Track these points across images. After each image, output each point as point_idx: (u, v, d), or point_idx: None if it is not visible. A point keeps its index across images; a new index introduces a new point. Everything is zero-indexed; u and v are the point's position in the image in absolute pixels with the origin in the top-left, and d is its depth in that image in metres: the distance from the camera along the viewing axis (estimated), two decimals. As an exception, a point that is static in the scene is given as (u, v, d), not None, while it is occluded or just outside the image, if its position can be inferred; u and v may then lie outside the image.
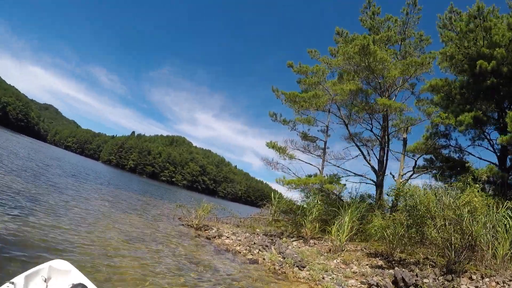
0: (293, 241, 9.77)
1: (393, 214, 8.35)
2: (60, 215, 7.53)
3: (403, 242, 8.34)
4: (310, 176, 16.74)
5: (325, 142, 16.99)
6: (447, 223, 7.55)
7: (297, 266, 7.57)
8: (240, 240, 9.51)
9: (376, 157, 13.59)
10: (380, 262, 8.38)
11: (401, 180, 12.41)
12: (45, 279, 1.73)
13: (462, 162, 12.10)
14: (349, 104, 11.57)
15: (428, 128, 13.41)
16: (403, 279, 6.84)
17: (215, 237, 9.64)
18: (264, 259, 7.92)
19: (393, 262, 8.36)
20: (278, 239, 9.90)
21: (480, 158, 12.57)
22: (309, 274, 7.17)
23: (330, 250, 8.86)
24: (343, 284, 6.72)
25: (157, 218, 11.57)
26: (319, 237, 9.97)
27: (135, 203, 14.15)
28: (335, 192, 11.55)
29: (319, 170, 16.50)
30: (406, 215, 8.20)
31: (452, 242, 7.57)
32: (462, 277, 7.45)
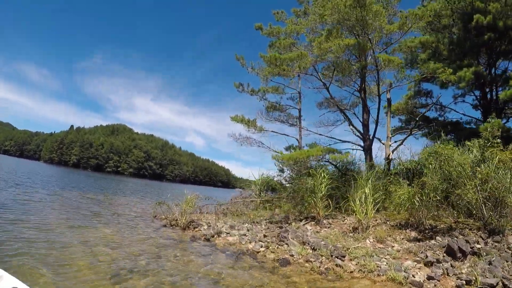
0: (304, 224, 8.19)
1: (422, 179, 7.37)
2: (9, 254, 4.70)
3: (431, 208, 7.48)
4: (290, 147, 15.36)
5: (299, 110, 15.52)
6: (482, 183, 6.85)
7: (337, 257, 6.03)
8: (245, 235, 7.54)
9: (360, 121, 12.67)
10: (413, 234, 7.35)
11: (389, 143, 11.73)
12: None
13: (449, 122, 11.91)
14: (341, 62, 10.14)
15: (410, 87, 12.92)
16: (460, 249, 5.92)
17: (213, 236, 7.52)
18: (292, 255, 6.19)
19: (426, 231, 7.44)
20: (287, 224, 8.26)
21: (464, 115, 12.61)
22: (359, 264, 5.69)
23: (354, 228, 7.58)
24: (403, 269, 5.44)
25: (132, 223, 8.74)
26: (328, 215, 8.61)
27: (97, 208, 11.08)
28: (334, 163, 10.21)
29: (297, 140, 15.18)
30: (439, 178, 7.30)
31: (488, 201, 6.96)
32: (508, 236, 6.92)
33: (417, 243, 6.70)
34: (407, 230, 7.32)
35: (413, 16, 8.78)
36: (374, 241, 6.86)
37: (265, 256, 6.12)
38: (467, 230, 6.96)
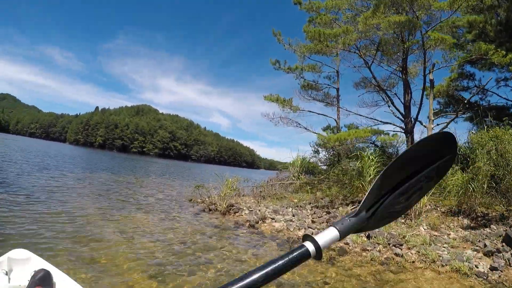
0: (352, 209, 8.14)
1: (477, 164, 7.03)
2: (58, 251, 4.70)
3: (483, 195, 7.17)
4: (328, 128, 15.05)
5: (337, 89, 14.96)
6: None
7: (394, 245, 5.93)
8: (292, 221, 7.51)
9: (401, 102, 12.08)
10: (466, 221, 7.09)
11: (432, 126, 11.19)
12: (6, 272, 1.49)
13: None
14: (388, 40, 9.50)
15: (453, 68, 12.10)
16: None
17: (257, 222, 7.55)
18: (347, 243, 6.15)
19: (478, 219, 7.18)
20: (333, 209, 8.20)
21: (508, 100, 11.79)
22: (419, 254, 5.58)
23: (405, 215, 7.43)
24: (465, 259, 5.29)
25: (168, 207, 8.80)
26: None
27: (129, 191, 11.30)
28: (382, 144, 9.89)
29: (335, 121, 14.81)
30: (493, 164, 6.93)
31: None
32: None
33: (472, 231, 6.47)
34: (459, 218, 7.08)
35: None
36: (428, 228, 6.67)
37: (319, 244, 6.07)
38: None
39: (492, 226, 6.54)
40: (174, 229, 6.27)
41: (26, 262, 1.60)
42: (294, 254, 0.57)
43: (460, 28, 10.19)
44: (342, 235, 0.60)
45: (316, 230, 6.65)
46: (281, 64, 14.26)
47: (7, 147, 29.86)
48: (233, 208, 8.65)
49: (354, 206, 8.09)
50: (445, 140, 0.70)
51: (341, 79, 15.08)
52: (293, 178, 11.73)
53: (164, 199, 10.40)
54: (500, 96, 11.89)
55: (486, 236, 6.22)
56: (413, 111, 11.57)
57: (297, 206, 8.67)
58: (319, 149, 15.29)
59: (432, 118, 11.06)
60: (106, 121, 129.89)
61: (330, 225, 0.62)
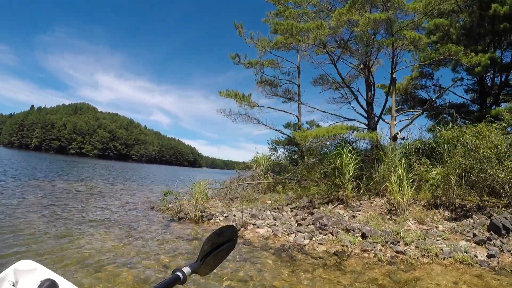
0: (333, 208, 7.70)
1: (453, 159, 7.17)
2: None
3: (460, 188, 7.36)
4: (289, 125, 14.67)
5: (299, 86, 14.69)
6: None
7: (392, 243, 5.60)
8: (276, 225, 6.75)
9: (364, 99, 12.27)
10: (447, 213, 7.18)
11: (394, 122, 11.55)
12: (13, 283, 1.44)
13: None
14: (362, 37, 9.40)
15: (414, 68, 12.77)
16: (504, 226, 5.95)
17: (239, 230, 6.64)
18: (345, 245, 5.63)
19: (458, 210, 7.34)
20: (315, 209, 7.67)
21: (463, 98, 12.84)
22: (420, 249, 5.25)
23: (390, 210, 7.22)
24: (463, 250, 5.19)
25: (131, 220, 7.32)
26: (354, 197, 8.16)
27: (80, 203, 9.28)
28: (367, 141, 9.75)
29: (297, 117, 14.50)
30: (468, 159, 7.12)
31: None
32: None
33: (457, 222, 6.53)
34: (440, 210, 7.15)
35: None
36: (415, 222, 6.55)
37: (314, 249, 5.41)
38: (496, 208, 6.97)
39: (473, 216, 6.68)
40: (147, 252, 4.89)
41: (32, 273, 1.60)
42: (169, 281, 0.89)
43: (420, 30, 10.74)
44: (193, 271, 1.00)
45: (306, 233, 6.01)
46: (241, 59, 13.58)
47: None
48: (205, 214, 7.61)
49: (334, 205, 7.70)
50: (232, 230, 1.19)
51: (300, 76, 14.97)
52: (259, 177, 11.04)
53: (123, 209, 8.80)
54: (456, 95, 12.94)
55: (472, 226, 6.30)
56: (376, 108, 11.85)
57: (275, 208, 7.98)
58: (277, 146, 14.98)
59: (395, 115, 11.42)
60: (42, 121, 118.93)
61: (185, 265, 0.99)
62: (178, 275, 0.91)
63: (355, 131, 9.28)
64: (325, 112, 12.83)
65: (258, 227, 6.58)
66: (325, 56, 13.11)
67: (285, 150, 14.56)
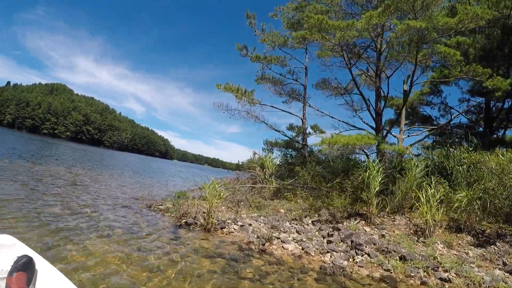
0: (356, 223, 7.34)
1: (481, 183, 7.09)
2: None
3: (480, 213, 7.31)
4: (292, 127, 14.18)
5: (305, 87, 14.26)
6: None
7: (432, 269, 5.29)
8: (303, 241, 6.24)
9: (373, 108, 12.08)
10: (469, 238, 7.13)
11: (403, 136, 11.47)
12: None
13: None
14: (395, 43, 9.08)
15: (424, 84, 12.78)
16: None
17: (264, 244, 6.01)
18: (388, 270, 5.25)
19: (479, 235, 7.28)
20: (338, 224, 7.23)
21: (466, 117, 13.10)
22: (462, 277, 4.99)
23: (416, 231, 6.99)
24: (501, 279, 5.04)
25: (132, 225, 6.24)
26: (379, 213, 7.78)
27: (64, 195, 8.04)
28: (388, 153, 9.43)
29: (301, 120, 14.04)
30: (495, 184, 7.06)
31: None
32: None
33: (482, 248, 6.46)
34: (463, 235, 7.06)
35: (474, 14, 8.15)
36: (444, 246, 6.37)
37: (357, 273, 4.95)
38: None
39: (497, 244, 6.63)
40: (158, 270, 4.01)
41: (11, 248, 1.65)
42: None
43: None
44: None
45: (341, 253, 5.58)
46: (249, 51, 12.90)
47: None
48: (216, 222, 6.89)
49: (356, 221, 7.35)
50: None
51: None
52: (262, 181, 10.49)
53: (116, 207, 7.74)
54: (462, 114, 13.17)
55: (498, 254, 6.23)
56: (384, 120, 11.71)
57: (294, 220, 7.47)
58: (273, 149, 14.55)
59: (403, 129, 11.35)
60: (17, 98, 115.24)
61: None
62: None
63: (383, 143, 8.99)
64: (333, 118, 12.54)
65: (283, 242, 6.00)
66: (335, 60, 12.84)
67: (281, 153, 14.11)
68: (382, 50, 10.79)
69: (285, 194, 9.35)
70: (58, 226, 5.23)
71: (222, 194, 6.93)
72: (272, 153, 14.49)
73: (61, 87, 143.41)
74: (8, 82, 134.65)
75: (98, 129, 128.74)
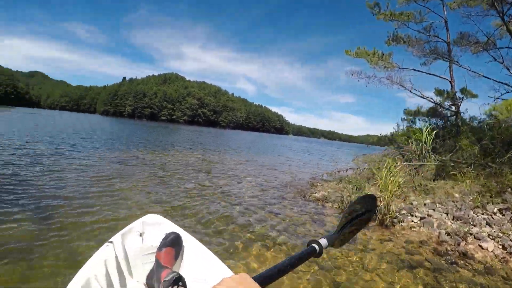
0: None
1: None
2: None
3: None
4: (440, 92, 12.51)
5: (448, 44, 12.06)
6: None
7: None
8: (498, 236, 5.56)
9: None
10: None
11: None
12: (140, 233, 1.69)
13: None
14: None
15: None
16: None
17: (459, 244, 5.36)
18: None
19: None
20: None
21: None
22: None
23: None
24: None
25: (298, 224, 5.79)
26: None
27: (215, 185, 8.20)
28: None
29: (450, 82, 12.15)
30: None
31: None
32: None
33: None
34: None
35: None
36: None
37: None
38: None
39: None
40: None
41: (158, 226, 1.74)
42: (305, 252, 0.84)
43: None
44: (330, 244, 0.94)
45: None
46: (382, 8, 11.51)
47: (52, 125, 23.24)
48: (396, 214, 6.11)
49: None
50: (372, 198, 1.15)
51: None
52: (419, 158, 9.58)
53: (266, 195, 7.72)
54: None
55: None
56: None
57: (477, 207, 6.65)
58: (417, 118, 13.11)
59: None
60: (134, 91, 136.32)
61: (322, 237, 0.93)
62: (314, 248, 0.88)
63: None
64: (489, 78, 10.21)
65: (478, 239, 5.41)
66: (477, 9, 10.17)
67: (426, 124, 12.46)
68: None
69: (451, 172, 8.33)
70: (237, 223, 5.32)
71: (400, 180, 6.46)
72: (415, 123, 13.27)
73: (173, 76, 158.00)
74: (124, 78, 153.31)
75: (213, 111, 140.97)
